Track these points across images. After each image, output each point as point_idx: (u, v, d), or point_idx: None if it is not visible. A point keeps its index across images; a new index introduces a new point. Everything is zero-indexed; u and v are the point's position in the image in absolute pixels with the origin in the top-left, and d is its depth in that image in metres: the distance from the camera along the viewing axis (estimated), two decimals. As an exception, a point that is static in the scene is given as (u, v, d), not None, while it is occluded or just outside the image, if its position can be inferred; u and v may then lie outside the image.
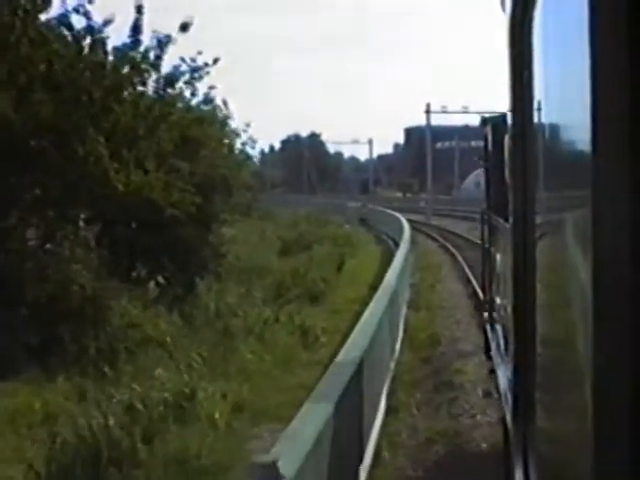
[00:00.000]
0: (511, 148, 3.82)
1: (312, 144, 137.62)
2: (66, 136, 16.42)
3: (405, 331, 16.04)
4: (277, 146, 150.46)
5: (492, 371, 7.57)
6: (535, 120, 2.99)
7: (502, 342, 6.53)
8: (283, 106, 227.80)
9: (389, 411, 10.83)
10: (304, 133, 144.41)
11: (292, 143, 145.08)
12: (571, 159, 1.84)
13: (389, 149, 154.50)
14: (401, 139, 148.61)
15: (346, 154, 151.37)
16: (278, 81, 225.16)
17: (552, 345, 2.44)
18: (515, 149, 3.66)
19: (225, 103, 32.52)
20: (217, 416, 10.77)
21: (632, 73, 1.44)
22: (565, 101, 1.93)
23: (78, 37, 17.26)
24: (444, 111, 65.32)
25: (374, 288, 16.28)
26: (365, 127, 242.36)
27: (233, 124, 30.17)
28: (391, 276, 16.45)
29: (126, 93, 18.14)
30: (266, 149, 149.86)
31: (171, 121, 19.02)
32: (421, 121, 71.58)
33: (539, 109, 2.83)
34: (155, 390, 11.43)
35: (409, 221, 55.10)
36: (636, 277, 1.44)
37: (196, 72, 26.83)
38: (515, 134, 3.65)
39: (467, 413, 10.97)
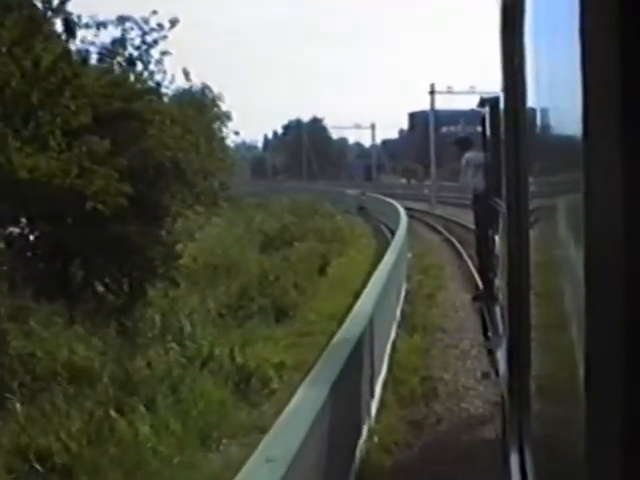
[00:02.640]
0: (504, 130, 3.91)
1: (314, 129, 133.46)
2: None
3: (390, 370, 11.59)
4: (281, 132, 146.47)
5: (490, 352, 7.57)
6: (526, 104, 3.02)
7: (500, 323, 6.45)
8: (287, 93, 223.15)
9: None
10: (307, 118, 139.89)
11: (294, 129, 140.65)
12: (562, 142, 1.86)
13: (395, 134, 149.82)
14: (406, 124, 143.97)
15: (351, 140, 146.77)
16: (282, 69, 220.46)
17: (546, 327, 2.47)
18: (507, 131, 3.78)
19: (207, 86, 29.83)
20: None
21: (622, 55, 1.43)
22: (556, 84, 1.96)
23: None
24: (449, 91, 60.71)
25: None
26: (371, 113, 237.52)
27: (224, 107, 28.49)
28: (375, 286, 12.16)
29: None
30: (270, 135, 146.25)
31: (79, 85, 14.45)
32: (426, 105, 67.21)
33: (530, 92, 2.89)
34: None
35: (411, 210, 51.02)
36: (628, 260, 1.43)
37: (148, 35, 22.34)
38: (507, 117, 3.78)
39: None
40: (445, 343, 13.43)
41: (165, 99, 22.99)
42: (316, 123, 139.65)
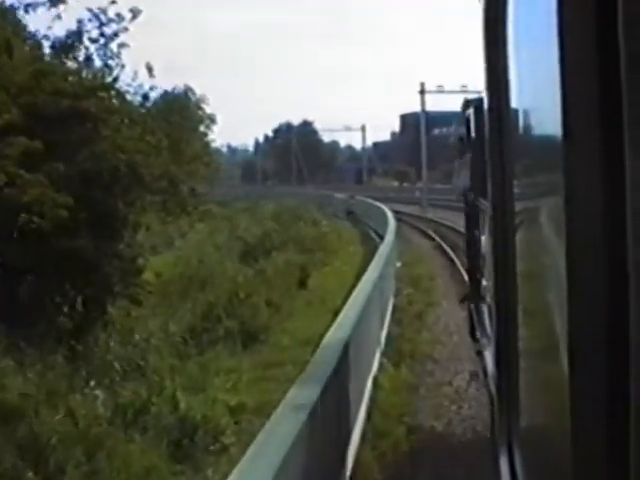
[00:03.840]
0: (488, 131, 3.93)
1: (304, 132, 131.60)
2: None
3: (369, 416, 9.46)
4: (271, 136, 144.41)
5: (479, 352, 7.46)
6: (510, 105, 3.03)
7: (488, 323, 6.37)
8: (277, 96, 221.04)
9: None
10: (297, 122, 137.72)
11: (284, 132, 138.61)
12: (544, 142, 1.88)
13: (386, 136, 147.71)
14: (397, 126, 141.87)
15: (342, 143, 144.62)
16: (271, 71, 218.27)
17: (532, 327, 2.49)
18: (491, 132, 3.79)
19: (190, 88, 28.65)
20: None
21: (600, 56, 1.45)
22: (537, 85, 1.98)
23: None
24: (440, 90, 58.59)
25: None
26: (362, 115, 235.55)
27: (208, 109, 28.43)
28: (354, 306, 10.23)
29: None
30: (261, 139, 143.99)
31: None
32: (417, 106, 65.42)
33: (513, 94, 2.91)
34: None
35: (401, 214, 48.95)
36: (609, 257, 1.46)
37: (105, 26, 20.18)
38: (491, 118, 3.77)
39: None
40: (437, 378, 11.28)
41: (136, 98, 20.82)
42: (306, 126, 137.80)
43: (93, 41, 20.42)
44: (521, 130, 2.61)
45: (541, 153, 1.98)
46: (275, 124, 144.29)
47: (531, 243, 2.40)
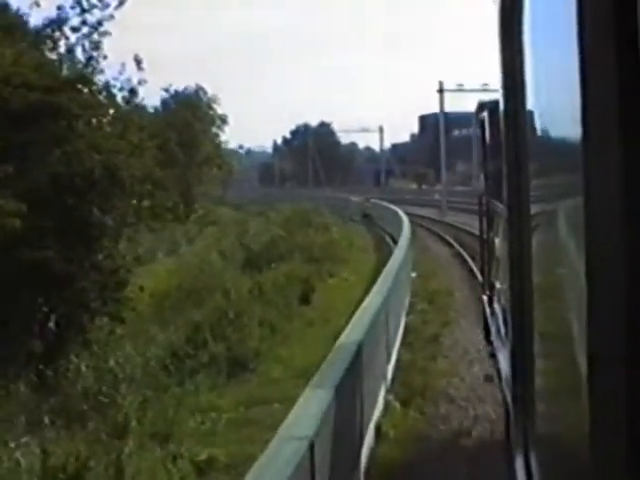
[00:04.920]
0: (504, 133, 3.91)
1: (322, 134, 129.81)
2: None
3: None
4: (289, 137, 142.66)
5: (492, 355, 7.48)
6: (526, 107, 3.02)
7: (502, 326, 6.29)
8: (295, 98, 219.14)
9: None
10: (314, 123, 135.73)
11: (302, 134, 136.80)
12: (562, 144, 1.86)
13: (404, 137, 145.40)
14: (417, 127, 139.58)
15: (361, 144, 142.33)
16: (290, 73, 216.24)
17: (548, 330, 2.47)
18: (507, 135, 3.77)
19: (202, 88, 27.41)
20: None
21: (620, 57, 1.43)
22: (554, 87, 1.97)
23: None
24: (459, 89, 56.38)
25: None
26: (381, 116, 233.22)
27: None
28: (355, 331, 8.45)
29: None
30: (279, 141, 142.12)
31: None
32: (436, 106, 63.53)
33: (530, 96, 2.89)
34: None
35: (419, 218, 46.86)
36: (629, 261, 1.44)
37: (87, 12, 18.36)
38: (507, 120, 3.74)
39: None
40: (453, 427, 9.22)
41: (118, 95, 18.86)
42: (324, 127, 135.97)
43: (74, 30, 18.57)
44: (538, 132, 2.59)
45: (559, 155, 1.98)
46: (292, 126, 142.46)
47: (548, 246, 2.38)
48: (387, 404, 10.23)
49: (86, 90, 17.02)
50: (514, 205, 3.59)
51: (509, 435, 4.95)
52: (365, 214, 51.58)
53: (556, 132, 2.05)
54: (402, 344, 13.65)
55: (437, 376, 11.47)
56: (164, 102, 65.56)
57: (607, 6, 1.43)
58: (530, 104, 2.90)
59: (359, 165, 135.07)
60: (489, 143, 8.24)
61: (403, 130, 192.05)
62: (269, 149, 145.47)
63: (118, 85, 18.46)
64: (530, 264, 2.91)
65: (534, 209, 2.82)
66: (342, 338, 9.04)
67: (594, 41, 1.47)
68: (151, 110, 57.85)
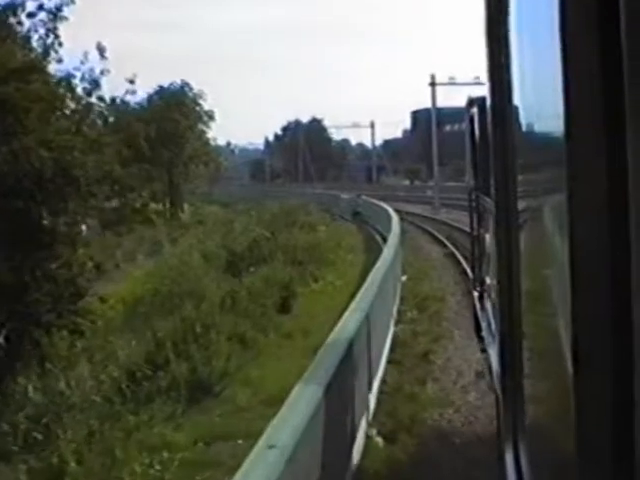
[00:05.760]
0: (491, 129, 3.93)
1: (313, 130, 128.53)
2: None
3: None
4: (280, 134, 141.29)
5: (483, 350, 7.56)
6: (512, 102, 3.04)
7: (492, 321, 6.26)
8: (287, 95, 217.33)
9: None
10: (306, 119, 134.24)
11: (293, 130, 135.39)
12: (547, 140, 1.87)
13: (396, 132, 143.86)
14: (409, 122, 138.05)
15: (354, 141, 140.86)
16: (281, 70, 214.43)
17: (536, 324, 2.47)
18: (494, 130, 3.77)
19: (187, 83, 26.71)
20: None
21: (603, 52, 1.45)
22: (539, 82, 1.99)
23: None
24: (452, 82, 54.84)
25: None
26: (373, 112, 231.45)
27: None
28: (330, 352, 7.69)
29: None
30: (271, 137, 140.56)
31: None
32: (428, 101, 62.24)
33: (516, 91, 2.91)
34: None
35: (411, 215, 45.35)
36: (612, 255, 1.46)
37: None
38: (494, 116, 3.77)
39: None
40: (443, 473, 7.65)
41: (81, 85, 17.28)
42: (315, 123, 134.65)
43: (30, 15, 16.98)
44: (524, 128, 2.62)
45: (544, 151, 2.00)
46: (283, 122, 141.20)
47: (534, 241, 2.39)
48: (368, 441, 8.70)
49: (43, 80, 15.43)
50: (501, 201, 3.61)
51: (499, 428, 4.91)
52: (355, 212, 50.07)
53: (541, 128, 2.08)
54: (389, 361, 12.13)
55: (427, 405, 9.90)
56: (150, 99, 64.01)
57: (591, 2, 1.45)
58: (516, 100, 2.92)
59: (351, 161, 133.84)
60: (478, 139, 8.26)
61: (396, 125, 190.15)
62: (261, 146, 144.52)
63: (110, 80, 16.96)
64: (518, 259, 2.92)
65: (521, 205, 2.84)
66: (316, 359, 7.60)
67: (577, 37, 1.48)
68: (135, 107, 56.36)
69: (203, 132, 63.64)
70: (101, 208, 15.81)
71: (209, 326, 13.61)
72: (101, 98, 17.57)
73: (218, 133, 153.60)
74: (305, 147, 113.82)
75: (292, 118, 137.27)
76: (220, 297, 16.60)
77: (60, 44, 16.55)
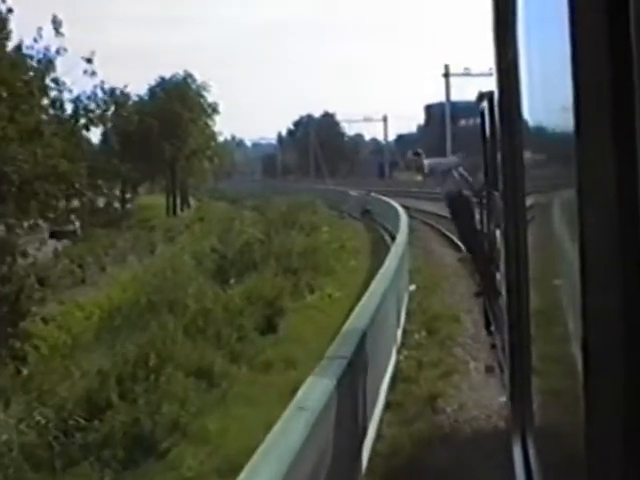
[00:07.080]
0: (499, 124, 3.94)
1: (326, 124, 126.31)
2: None
3: None
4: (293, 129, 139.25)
5: (493, 346, 7.56)
6: (521, 98, 2.99)
7: (502, 318, 6.09)
8: (299, 89, 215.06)
9: None
10: (318, 113, 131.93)
11: (305, 125, 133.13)
12: (556, 136, 1.85)
13: (410, 126, 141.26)
14: (422, 116, 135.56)
15: (368, 136, 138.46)
16: (294, 65, 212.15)
17: (545, 320, 2.44)
18: (503, 126, 3.77)
19: (190, 75, 25.34)
20: None
21: (612, 51, 1.43)
22: (548, 79, 1.97)
23: None
24: (466, 73, 52.29)
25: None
26: (386, 106, 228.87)
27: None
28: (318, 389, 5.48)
29: None
30: (284, 132, 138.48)
31: None
32: (443, 96, 60.37)
33: (524, 87, 2.87)
34: None
35: (422, 213, 42.78)
36: (623, 250, 1.44)
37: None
38: (502, 111, 3.78)
39: None
40: None
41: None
42: (327, 118, 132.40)
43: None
44: (533, 123, 2.57)
45: (553, 147, 1.98)
46: (295, 117, 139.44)
47: (544, 236, 2.37)
48: None
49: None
50: (510, 196, 3.62)
51: (508, 421, 4.75)
52: (365, 210, 47.55)
53: (550, 123, 2.04)
54: (387, 406, 9.56)
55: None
56: (152, 91, 61.64)
57: (600, 3, 1.44)
58: (525, 95, 2.87)
59: (364, 157, 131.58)
60: (488, 133, 8.21)
61: (409, 119, 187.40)
62: (275, 141, 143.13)
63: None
64: (526, 254, 2.90)
65: (530, 200, 2.82)
66: (291, 407, 5.22)
67: (587, 33, 1.47)
68: (135, 98, 53.91)
69: (207, 125, 61.22)
70: (54, 208, 13.27)
71: (164, 358, 11.04)
72: (55, 80, 14.99)
73: (232, 128, 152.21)
74: (317, 142, 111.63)
75: (304, 113, 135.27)
76: (190, 316, 14.05)
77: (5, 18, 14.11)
